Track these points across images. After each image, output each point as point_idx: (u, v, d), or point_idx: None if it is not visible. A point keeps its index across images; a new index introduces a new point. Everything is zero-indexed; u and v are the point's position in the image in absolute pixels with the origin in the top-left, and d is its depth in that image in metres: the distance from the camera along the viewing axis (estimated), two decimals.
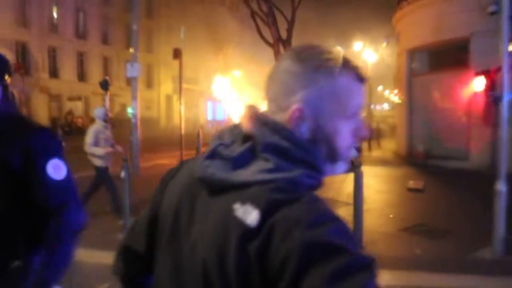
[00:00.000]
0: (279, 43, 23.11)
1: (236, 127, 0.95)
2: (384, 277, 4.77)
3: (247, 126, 0.91)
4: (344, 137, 0.92)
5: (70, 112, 34.75)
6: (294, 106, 0.88)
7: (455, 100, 13.80)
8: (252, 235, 0.76)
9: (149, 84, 43.73)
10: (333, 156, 0.93)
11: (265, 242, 0.75)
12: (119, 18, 38.45)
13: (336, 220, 0.76)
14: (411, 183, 10.34)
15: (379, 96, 74.57)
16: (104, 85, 14.54)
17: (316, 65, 0.89)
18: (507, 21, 5.65)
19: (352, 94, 0.91)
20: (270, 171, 0.83)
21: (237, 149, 0.89)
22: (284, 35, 23.54)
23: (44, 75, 33.28)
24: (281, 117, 0.89)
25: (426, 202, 8.94)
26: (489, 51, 9.22)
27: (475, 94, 12.84)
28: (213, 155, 0.90)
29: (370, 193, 9.25)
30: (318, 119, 0.89)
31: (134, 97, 13.37)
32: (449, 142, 13.85)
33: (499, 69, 6.49)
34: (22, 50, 31.53)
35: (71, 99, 36.09)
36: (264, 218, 0.77)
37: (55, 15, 34.63)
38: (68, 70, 35.53)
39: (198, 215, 0.90)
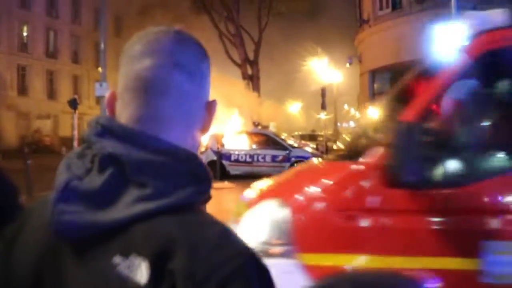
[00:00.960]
0: (247, 64, 23.64)
1: (85, 150, 0.70)
2: None
3: (104, 145, 0.68)
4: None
5: (37, 131, 34.09)
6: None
7: None
8: None
9: None
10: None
11: None
12: (89, 37, 38.40)
13: (249, 258, 0.62)
14: None
15: (344, 114, 75.78)
16: (73, 104, 14.64)
17: (196, 52, 0.80)
18: None
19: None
20: (149, 198, 0.63)
21: (97, 178, 0.65)
22: (251, 56, 24.11)
23: (12, 93, 32.92)
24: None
25: None
26: None
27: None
28: (66, 195, 0.65)
29: None
30: (200, 112, 0.77)
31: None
32: None
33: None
34: None
35: (40, 117, 35.63)
36: (157, 270, 0.59)
37: (25, 34, 34.44)
38: (37, 88, 35.24)
39: (71, 284, 0.66)
